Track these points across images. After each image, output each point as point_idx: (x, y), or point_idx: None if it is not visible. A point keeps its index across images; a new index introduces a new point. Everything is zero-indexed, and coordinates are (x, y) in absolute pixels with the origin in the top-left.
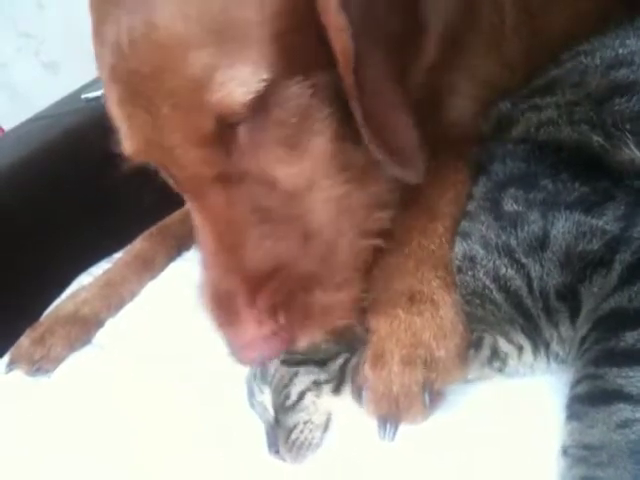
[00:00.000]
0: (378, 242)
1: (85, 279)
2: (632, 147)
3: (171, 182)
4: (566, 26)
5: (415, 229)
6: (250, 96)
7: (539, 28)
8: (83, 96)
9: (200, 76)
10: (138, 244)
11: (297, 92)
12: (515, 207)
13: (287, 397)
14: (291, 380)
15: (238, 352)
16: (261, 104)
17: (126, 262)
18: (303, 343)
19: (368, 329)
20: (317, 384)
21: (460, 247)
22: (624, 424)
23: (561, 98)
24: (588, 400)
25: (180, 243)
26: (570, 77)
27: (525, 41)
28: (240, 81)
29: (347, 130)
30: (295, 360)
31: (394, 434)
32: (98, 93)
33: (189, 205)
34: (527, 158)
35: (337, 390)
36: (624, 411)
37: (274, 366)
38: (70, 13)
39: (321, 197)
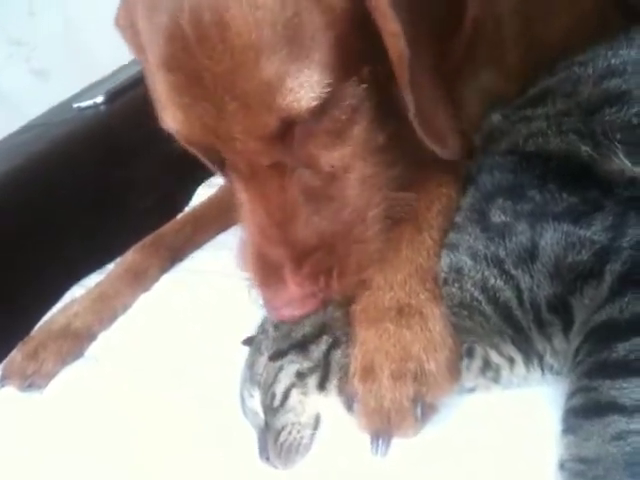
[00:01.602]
0: (400, 212)
1: (77, 291)
2: (621, 157)
3: (217, 163)
4: (563, 35)
5: (402, 241)
6: (316, 102)
7: (537, 37)
8: (75, 105)
9: (271, 81)
10: (130, 256)
11: (352, 92)
12: (503, 218)
13: (273, 397)
14: (276, 376)
15: (276, 309)
16: (322, 106)
17: (118, 274)
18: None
19: (356, 335)
20: (301, 376)
21: (446, 259)
22: (619, 436)
23: (551, 108)
24: (583, 413)
25: (173, 254)
26: (563, 87)
27: (523, 50)
28: (309, 87)
29: (380, 118)
30: (279, 351)
31: (386, 449)
32: (90, 102)
33: (237, 184)
34: (514, 169)
35: (322, 385)
36: (619, 423)
37: (262, 365)
38: (62, 20)
39: (356, 177)
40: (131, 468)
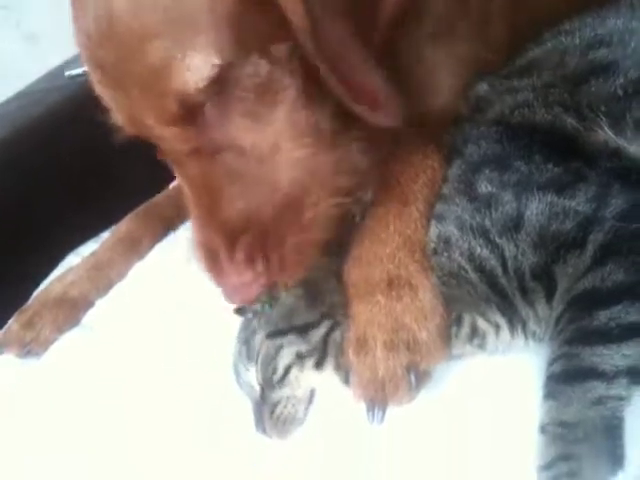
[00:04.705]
0: (345, 200)
1: (73, 259)
2: (606, 129)
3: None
4: (550, 4)
5: (390, 214)
6: (204, 82)
7: (524, 7)
8: (66, 73)
9: (158, 66)
10: (125, 225)
11: (253, 71)
12: (489, 188)
13: (274, 371)
14: (277, 353)
15: (227, 295)
16: (219, 85)
17: (113, 243)
18: (282, 283)
19: (349, 310)
20: (300, 357)
21: (435, 229)
22: (598, 401)
23: (537, 80)
24: (564, 379)
25: (167, 223)
26: (550, 57)
27: (510, 21)
28: (193, 70)
29: (311, 98)
30: (278, 331)
31: (382, 417)
32: (80, 70)
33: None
34: (500, 140)
35: (319, 365)
36: (598, 388)
37: (259, 342)
38: None
39: (285, 159)
40: (126, 437)
